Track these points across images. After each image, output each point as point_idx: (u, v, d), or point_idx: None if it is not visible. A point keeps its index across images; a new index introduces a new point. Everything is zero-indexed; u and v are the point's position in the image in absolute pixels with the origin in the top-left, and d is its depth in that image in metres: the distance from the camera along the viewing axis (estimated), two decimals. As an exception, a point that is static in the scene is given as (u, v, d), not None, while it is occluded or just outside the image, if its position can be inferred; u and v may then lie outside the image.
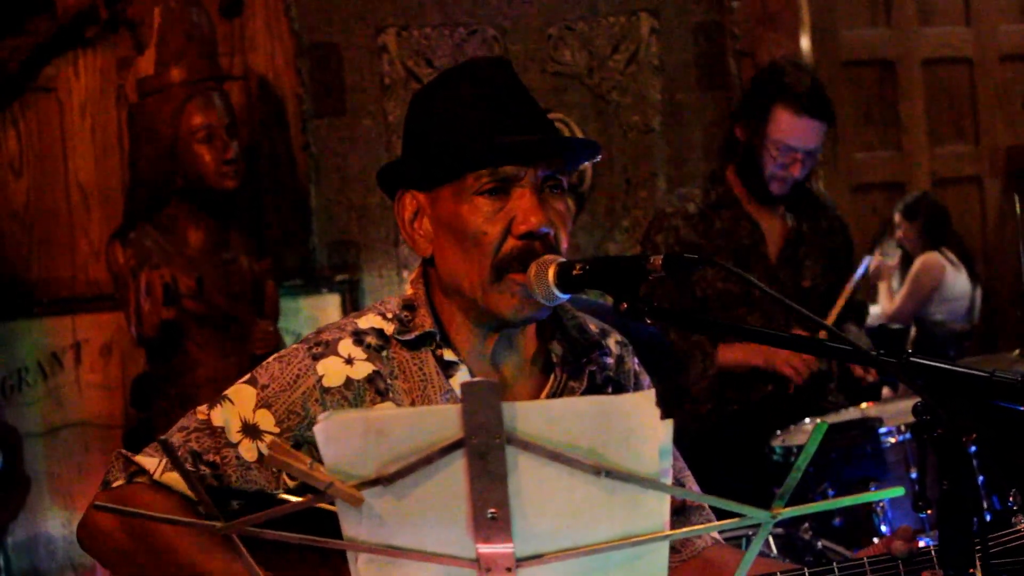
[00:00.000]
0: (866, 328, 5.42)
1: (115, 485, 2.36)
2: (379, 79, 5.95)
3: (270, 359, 2.42)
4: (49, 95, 5.68)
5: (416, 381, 2.38)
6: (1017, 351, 4.54)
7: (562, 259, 2.27)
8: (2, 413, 5.55)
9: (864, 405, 4.56)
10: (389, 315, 2.44)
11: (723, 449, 4.57)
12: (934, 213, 7.60)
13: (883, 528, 3.96)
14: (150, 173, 5.25)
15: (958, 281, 7.70)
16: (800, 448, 4.14)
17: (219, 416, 2.36)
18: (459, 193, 2.32)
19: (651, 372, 2.67)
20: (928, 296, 7.64)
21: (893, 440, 4.10)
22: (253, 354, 5.11)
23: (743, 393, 4.68)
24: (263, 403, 2.35)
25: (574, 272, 2.22)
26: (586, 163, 2.54)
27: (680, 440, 2.07)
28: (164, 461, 2.33)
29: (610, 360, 2.53)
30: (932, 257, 7.67)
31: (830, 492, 4.07)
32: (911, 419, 3.83)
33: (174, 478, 2.32)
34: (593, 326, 2.56)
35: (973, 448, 1.94)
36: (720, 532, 2.68)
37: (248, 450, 2.33)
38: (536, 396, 2.43)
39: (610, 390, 2.50)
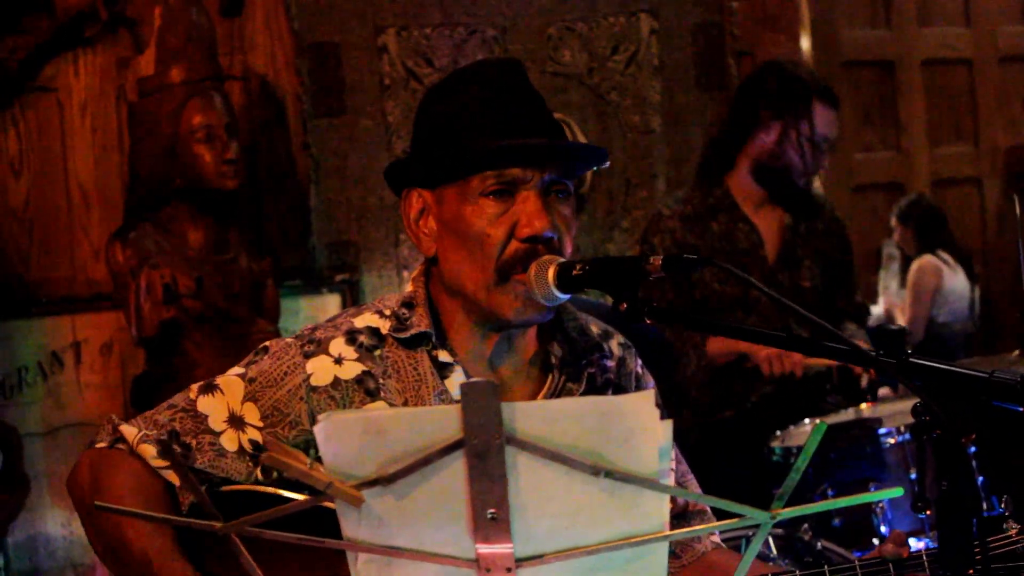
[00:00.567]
0: (867, 329, 5.42)
1: (98, 446, 2.40)
2: (379, 79, 5.95)
3: (264, 351, 2.44)
4: (49, 95, 5.67)
5: (410, 381, 2.39)
6: (1016, 352, 4.55)
7: (562, 259, 2.27)
8: (2, 413, 5.55)
9: (863, 406, 4.56)
10: (387, 312, 2.44)
11: (722, 450, 4.58)
12: (928, 216, 7.61)
13: (882, 529, 3.96)
14: (150, 173, 5.25)
15: (956, 282, 7.71)
16: (799, 449, 4.15)
17: (206, 403, 2.39)
18: (464, 194, 2.32)
19: (652, 371, 2.67)
20: (932, 298, 7.65)
21: (892, 441, 4.10)
22: (252, 354, 5.11)
23: (743, 393, 4.68)
24: (250, 397, 2.37)
25: (574, 272, 2.23)
26: (594, 168, 2.53)
27: (679, 441, 2.07)
28: (141, 432, 2.36)
29: (611, 363, 2.53)
30: (926, 260, 7.69)
31: (829, 493, 4.07)
32: (910, 420, 3.83)
33: (146, 449, 2.35)
34: (595, 328, 2.56)
35: (972, 449, 1.94)
36: (720, 533, 2.68)
37: (230, 440, 2.36)
38: (533, 398, 2.43)
39: (610, 392, 2.50)
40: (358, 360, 2.39)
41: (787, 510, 1.59)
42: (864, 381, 4.75)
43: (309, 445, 2.31)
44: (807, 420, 4.43)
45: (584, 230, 6.08)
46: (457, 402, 1.55)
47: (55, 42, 5.60)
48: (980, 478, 3.49)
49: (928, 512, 1.97)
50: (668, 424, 1.60)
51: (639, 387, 2.58)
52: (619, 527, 1.63)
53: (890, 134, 7.73)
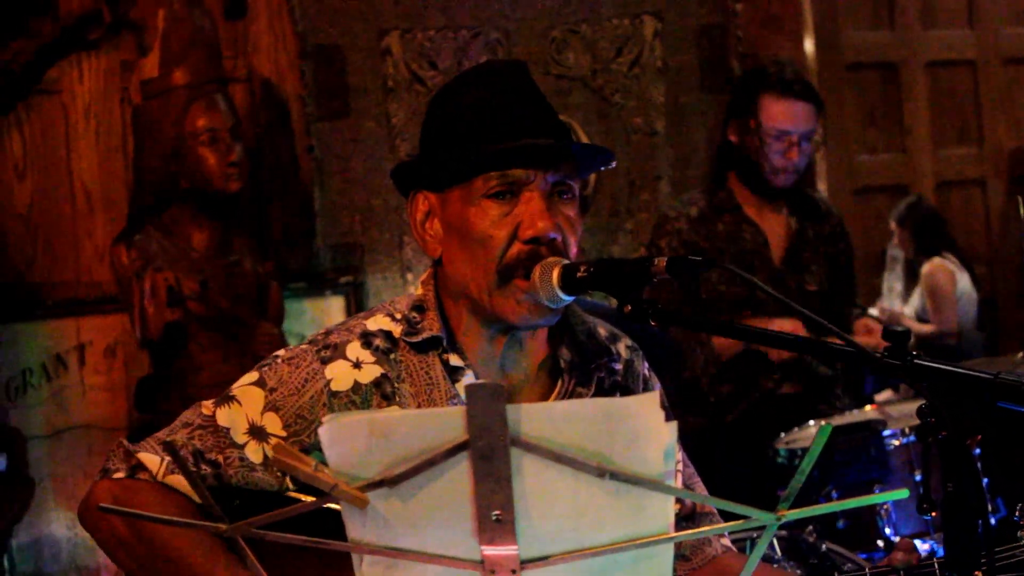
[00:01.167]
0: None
1: (116, 476, 2.35)
2: (383, 81, 5.95)
3: (278, 359, 2.41)
4: (53, 97, 5.67)
5: (422, 385, 2.38)
6: (1021, 353, 4.55)
7: (566, 261, 2.27)
8: (6, 415, 5.55)
9: (868, 408, 4.56)
10: (398, 316, 2.43)
11: (727, 451, 4.58)
12: (924, 218, 7.61)
13: (887, 531, 3.96)
14: (154, 175, 5.25)
15: (964, 284, 7.70)
16: (804, 450, 4.14)
17: (225, 416, 2.35)
18: (468, 195, 2.32)
19: (658, 372, 2.66)
20: (955, 298, 7.64)
21: (897, 442, 4.10)
22: (256, 357, 5.10)
23: (755, 383, 4.68)
24: (271, 406, 2.35)
25: (578, 274, 2.22)
26: (600, 169, 2.53)
27: (685, 443, 2.07)
28: (167, 461, 2.32)
29: (619, 366, 2.52)
30: (937, 263, 7.68)
31: (834, 494, 4.07)
32: (915, 421, 3.82)
33: (178, 480, 2.31)
34: (603, 331, 2.55)
35: (977, 450, 1.94)
36: (730, 534, 2.68)
37: (254, 452, 2.33)
38: (543, 401, 2.43)
39: (618, 395, 2.49)
40: (376, 363, 2.38)
41: (793, 511, 1.59)
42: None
43: None
44: (812, 422, 4.43)
45: (588, 232, 6.08)
46: (462, 406, 1.55)
47: (59, 45, 5.61)
48: (985, 480, 3.49)
49: (933, 514, 1.97)
50: (673, 426, 1.60)
51: (646, 389, 2.57)
52: (624, 529, 1.63)
53: (894, 136, 7.72)
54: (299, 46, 5.86)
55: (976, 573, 1.91)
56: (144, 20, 5.52)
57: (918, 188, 7.74)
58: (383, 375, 2.37)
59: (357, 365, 2.37)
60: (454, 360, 2.40)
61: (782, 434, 4.38)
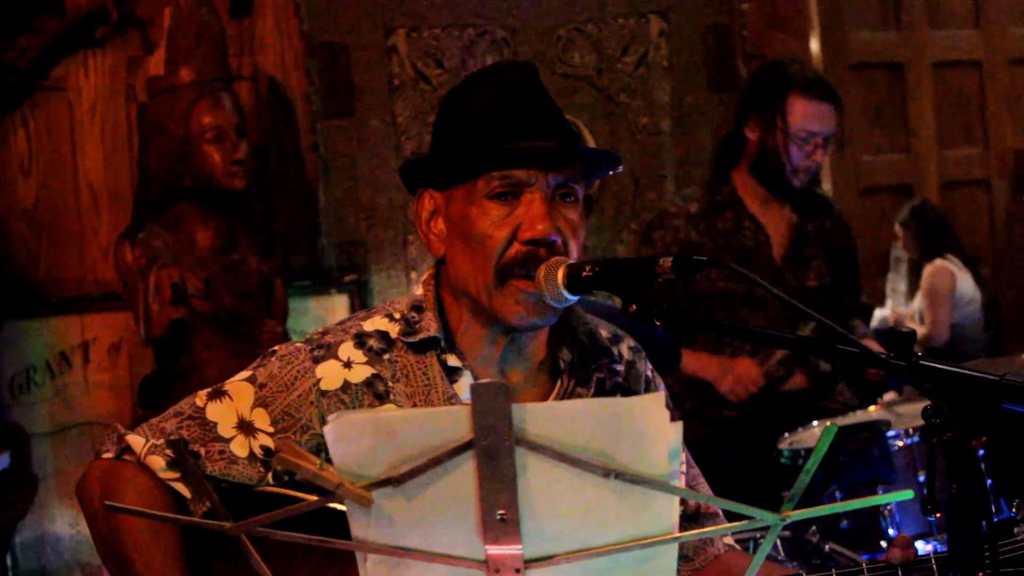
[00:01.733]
0: (873, 330, 5.42)
1: (105, 456, 2.39)
2: (388, 80, 5.95)
3: (273, 355, 2.43)
4: (59, 95, 5.68)
5: (419, 385, 2.38)
6: (1025, 354, 4.54)
7: (571, 260, 2.27)
8: (10, 412, 5.56)
9: (872, 408, 4.56)
10: (396, 315, 2.44)
11: (730, 452, 4.57)
12: (928, 221, 7.61)
13: (891, 531, 3.96)
14: (159, 173, 5.26)
15: (966, 285, 7.70)
16: (808, 451, 4.14)
17: (214, 410, 2.38)
18: (470, 195, 2.33)
19: (661, 372, 2.66)
20: (951, 301, 7.65)
21: (901, 443, 4.09)
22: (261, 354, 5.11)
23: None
24: (260, 402, 2.37)
25: (584, 273, 2.22)
26: (608, 173, 2.53)
27: (687, 442, 2.07)
28: (149, 443, 2.35)
29: (620, 367, 2.52)
30: (939, 264, 7.69)
31: (838, 495, 4.07)
32: (919, 422, 3.82)
33: (155, 460, 2.34)
34: (605, 332, 2.55)
35: (982, 452, 1.94)
36: (733, 534, 2.67)
37: (240, 446, 2.35)
38: (542, 402, 2.42)
39: (619, 397, 2.49)
40: (367, 363, 2.39)
41: (797, 512, 1.58)
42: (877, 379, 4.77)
43: (320, 448, 2.30)
44: (815, 422, 4.43)
45: (593, 231, 6.08)
46: (467, 405, 1.55)
47: (65, 42, 5.61)
48: (989, 481, 3.49)
49: (938, 515, 1.97)
50: (678, 426, 1.59)
51: (649, 390, 2.58)
52: (628, 529, 1.63)
53: (899, 136, 7.72)
54: (305, 44, 5.86)
55: (979, 574, 1.91)
56: (150, 18, 5.53)
57: (923, 188, 7.74)
58: (375, 375, 2.38)
59: (347, 365, 2.38)
60: (452, 360, 2.40)
61: (785, 434, 4.37)
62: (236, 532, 1.64)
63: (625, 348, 2.57)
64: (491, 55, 5.95)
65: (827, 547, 3.83)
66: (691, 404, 4.68)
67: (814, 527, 3.87)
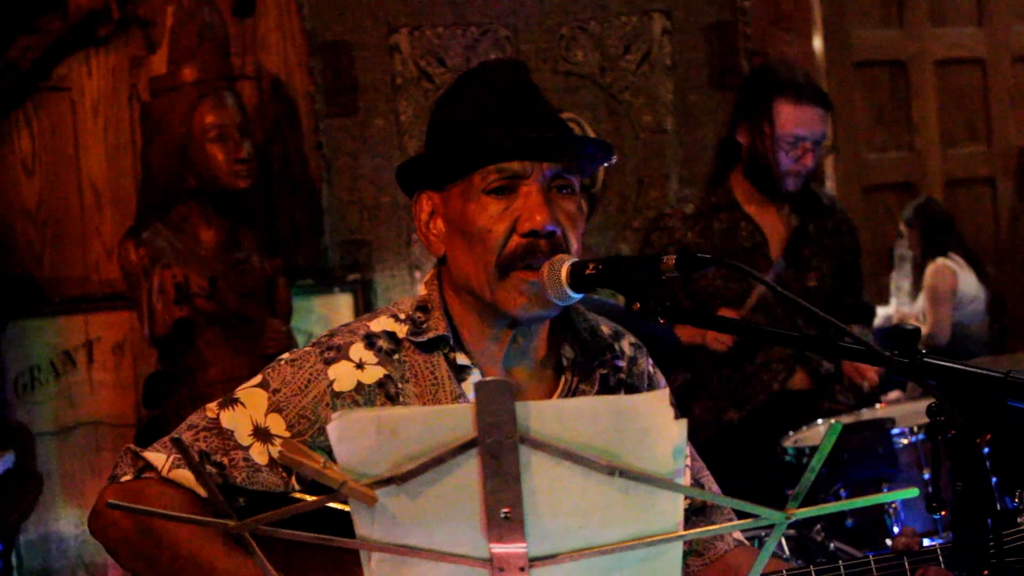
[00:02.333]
0: (875, 329, 5.42)
1: (123, 480, 2.35)
2: (391, 79, 5.95)
3: (282, 361, 2.42)
4: (62, 94, 5.68)
5: (427, 385, 2.38)
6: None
7: (575, 258, 2.27)
8: (14, 412, 5.56)
9: (877, 406, 4.56)
10: (402, 316, 2.44)
11: (735, 450, 4.58)
12: (932, 219, 7.60)
13: (895, 529, 3.96)
14: (162, 172, 5.26)
15: (969, 284, 7.70)
16: (812, 449, 4.14)
17: (229, 418, 2.35)
18: (468, 192, 2.33)
19: (663, 370, 2.66)
20: (952, 300, 7.64)
21: (906, 441, 4.09)
22: (265, 353, 5.11)
23: (747, 393, 4.68)
24: (274, 407, 2.35)
25: (587, 272, 2.22)
26: (603, 165, 2.53)
27: (692, 440, 2.07)
28: (172, 457, 2.33)
29: (622, 363, 2.52)
30: (941, 263, 7.68)
31: (842, 493, 4.07)
32: (924, 420, 3.82)
33: (182, 475, 2.32)
34: (606, 328, 2.56)
35: (987, 449, 1.93)
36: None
37: (259, 453, 2.33)
38: (546, 399, 2.42)
39: (622, 393, 2.49)
40: (379, 364, 2.38)
41: (802, 510, 1.58)
42: (866, 387, 4.77)
43: None
44: (820, 420, 4.43)
45: (596, 229, 6.08)
46: (470, 403, 1.55)
47: (68, 41, 5.61)
48: (994, 478, 3.48)
49: (943, 513, 1.97)
50: (683, 423, 1.59)
51: (651, 387, 2.58)
52: (633, 527, 1.62)
53: (903, 134, 7.71)
54: (307, 43, 5.86)
55: (984, 572, 1.90)
56: (153, 17, 5.53)
57: (927, 186, 7.73)
58: (387, 376, 2.38)
59: (360, 366, 2.38)
60: (461, 359, 2.40)
61: (790, 432, 4.38)
62: (240, 530, 1.63)
63: (626, 345, 2.57)
64: (494, 53, 5.95)
65: (832, 545, 3.83)
66: (698, 410, 4.68)
67: (819, 525, 3.88)
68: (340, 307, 5.83)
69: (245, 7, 5.77)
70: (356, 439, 1.60)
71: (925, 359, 1.95)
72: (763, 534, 3.49)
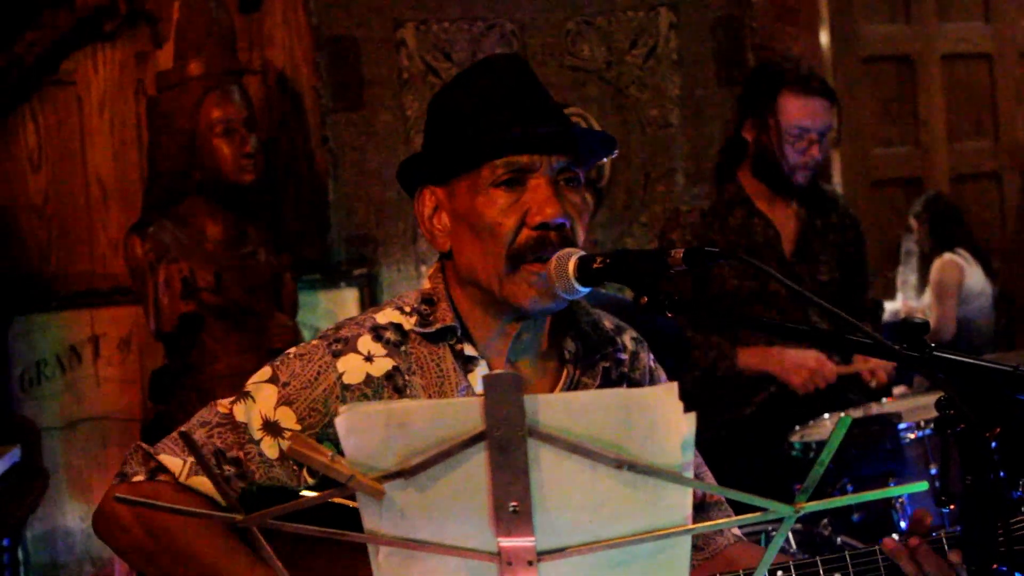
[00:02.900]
0: (883, 325, 5.41)
1: (135, 480, 2.34)
2: (397, 73, 5.95)
3: (290, 355, 2.41)
4: (68, 89, 5.69)
5: (433, 377, 2.38)
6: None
7: (583, 252, 2.27)
8: (21, 407, 5.56)
9: (884, 401, 4.55)
10: (408, 308, 2.44)
11: (742, 445, 4.57)
12: (941, 214, 7.59)
13: (902, 524, 3.95)
14: (169, 167, 5.26)
15: (976, 279, 7.69)
16: (819, 444, 4.14)
17: (241, 412, 2.35)
18: (475, 185, 2.33)
19: (668, 367, 2.66)
20: (958, 295, 7.63)
21: (913, 436, 4.08)
22: (271, 348, 5.11)
23: (754, 389, 4.68)
24: (284, 401, 2.35)
25: (595, 265, 2.22)
26: (604, 159, 2.53)
27: (698, 435, 2.06)
28: (189, 463, 2.32)
29: (624, 356, 2.53)
30: (947, 258, 7.67)
31: (849, 488, 4.06)
32: (931, 415, 3.81)
33: (200, 482, 2.31)
34: (608, 322, 2.56)
35: (995, 444, 1.93)
36: (741, 527, 2.67)
37: (270, 447, 2.33)
38: (549, 392, 2.42)
39: (624, 386, 2.50)
40: (387, 356, 2.38)
41: (810, 504, 1.58)
42: (873, 384, 4.76)
43: None
44: (827, 415, 4.43)
45: (603, 224, 6.08)
46: (480, 396, 1.55)
47: (74, 36, 5.61)
48: (1002, 473, 3.48)
49: (951, 506, 1.97)
50: (691, 417, 1.59)
51: (652, 381, 2.59)
52: (642, 520, 1.62)
53: (909, 129, 7.71)
54: (313, 38, 5.86)
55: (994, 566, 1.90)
56: (159, 12, 5.53)
57: (933, 181, 7.72)
58: (395, 367, 2.37)
59: (369, 358, 2.37)
60: (468, 350, 2.40)
61: (797, 427, 4.37)
62: (247, 524, 1.63)
63: (628, 339, 2.58)
64: (500, 48, 5.95)
65: (839, 540, 3.82)
66: (706, 405, 4.67)
67: (826, 520, 3.87)
68: (346, 302, 5.83)
69: (251, 2, 5.77)
70: (364, 433, 1.60)
71: (934, 353, 1.95)
72: (770, 528, 3.49)
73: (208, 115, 5.15)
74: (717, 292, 4.65)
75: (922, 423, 4.08)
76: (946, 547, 2.22)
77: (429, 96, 5.70)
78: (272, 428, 2.33)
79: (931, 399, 2.97)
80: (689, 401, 1.57)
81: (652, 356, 2.62)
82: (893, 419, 4.15)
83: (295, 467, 2.33)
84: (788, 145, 4.63)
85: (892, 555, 2.22)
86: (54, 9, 5.55)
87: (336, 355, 2.37)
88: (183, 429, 2.36)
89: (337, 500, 1.69)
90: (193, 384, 5.17)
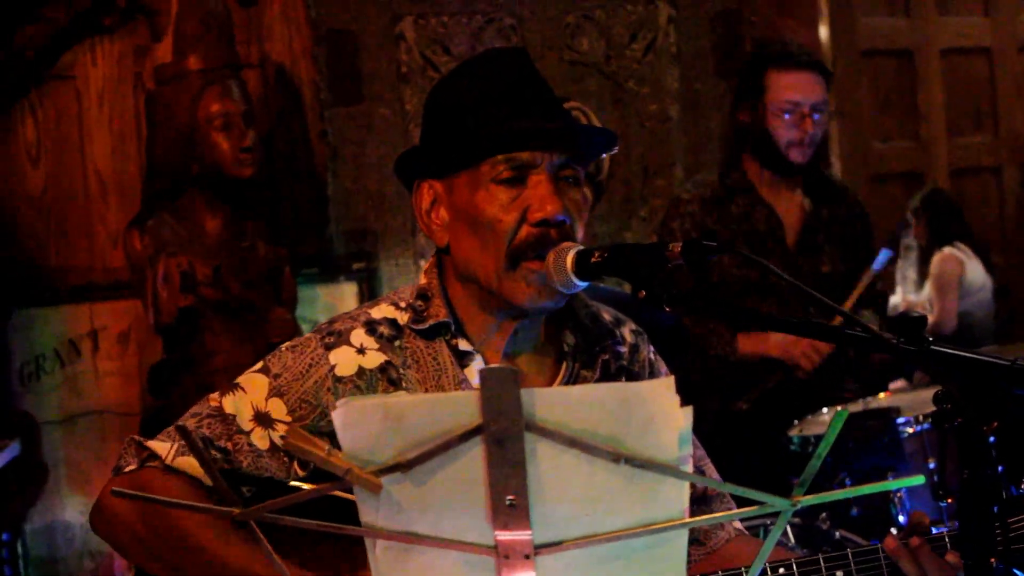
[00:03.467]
0: (887, 317, 5.40)
1: (127, 470, 2.35)
2: (396, 67, 5.94)
3: (283, 348, 2.42)
4: (67, 83, 5.68)
5: (430, 371, 2.38)
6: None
7: (581, 246, 2.26)
8: (20, 400, 5.56)
9: (882, 395, 4.55)
10: (403, 304, 2.44)
11: (740, 439, 4.57)
12: (940, 209, 7.60)
13: (900, 518, 3.95)
14: (167, 161, 5.25)
15: (975, 273, 7.69)
16: (817, 438, 4.14)
17: (231, 404, 2.36)
18: (476, 181, 2.32)
19: (668, 360, 2.66)
20: (958, 289, 7.64)
21: (911, 430, 4.08)
22: (270, 342, 5.11)
23: (753, 382, 4.67)
24: (275, 392, 2.35)
25: (593, 259, 2.21)
26: (603, 155, 2.52)
27: (697, 430, 2.06)
28: (176, 446, 2.33)
29: (623, 349, 2.53)
30: (947, 252, 7.67)
31: (847, 482, 4.06)
32: (929, 409, 3.82)
33: (187, 462, 2.32)
34: (607, 315, 2.56)
35: (993, 438, 1.93)
36: (743, 520, 2.67)
37: (260, 438, 2.33)
38: (548, 386, 2.42)
39: (624, 379, 2.49)
40: (380, 350, 2.39)
41: (808, 497, 1.58)
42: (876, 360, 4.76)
43: None
44: (825, 409, 4.43)
45: (602, 218, 6.08)
46: (475, 390, 1.55)
47: (73, 30, 5.61)
48: (1000, 467, 3.48)
49: (949, 500, 1.96)
50: (688, 411, 1.59)
51: (652, 373, 2.58)
52: (639, 514, 1.62)
53: (909, 123, 7.70)
54: (312, 32, 5.85)
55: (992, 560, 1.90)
56: (158, 5, 5.51)
57: (933, 176, 7.72)
58: (388, 361, 2.38)
59: (361, 351, 2.38)
60: (463, 345, 2.40)
61: (795, 421, 4.37)
62: (245, 518, 1.63)
63: (627, 332, 2.57)
64: (499, 42, 5.95)
65: (837, 534, 3.83)
66: (704, 399, 4.68)
67: (824, 514, 3.87)
68: (345, 296, 5.83)
69: (250, -4, 5.77)
70: (361, 426, 1.60)
71: (932, 347, 1.95)
72: (768, 522, 3.49)
73: (207, 109, 5.15)
74: (718, 281, 4.65)
75: (920, 417, 4.09)
76: (948, 545, 2.22)
77: (428, 90, 5.70)
78: (263, 419, 2.34)
79: (930, 393, 2.98)
80: (687, 393, 1.57)
81: (652, 348, 2.62)
82: (891, 413, 4.15)
83: (285, 459, 2.33)
84: (779, 120, 4.63)
85: (893, 556, 2.21)
86: (53, 4, 5.55)
87: (328, 348, 2.38)
88: (178, 422, 2.37)
89: (335, 493, 1.69)
90: (192, 378, 5.17)
